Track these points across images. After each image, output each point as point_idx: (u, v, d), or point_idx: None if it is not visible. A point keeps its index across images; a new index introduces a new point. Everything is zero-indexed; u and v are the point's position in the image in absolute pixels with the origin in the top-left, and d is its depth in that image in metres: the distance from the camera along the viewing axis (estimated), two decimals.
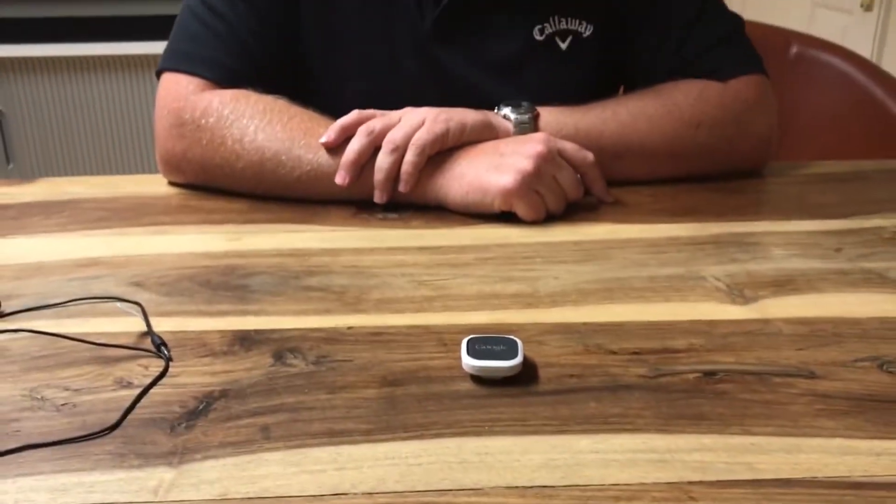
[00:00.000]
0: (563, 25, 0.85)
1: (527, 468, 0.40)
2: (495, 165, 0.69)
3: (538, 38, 0.84)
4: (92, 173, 2.01)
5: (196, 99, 0.77)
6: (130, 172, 1.89)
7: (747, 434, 0.43)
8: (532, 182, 0.68)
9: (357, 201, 0.73)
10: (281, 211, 0.73)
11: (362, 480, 0.39)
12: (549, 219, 0.71)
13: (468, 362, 0.47)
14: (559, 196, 0.71)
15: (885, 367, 0.49)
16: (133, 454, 0.41)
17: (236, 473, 0.40)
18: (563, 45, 0.85)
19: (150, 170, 2.01)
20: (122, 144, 1.88)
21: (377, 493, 0.38)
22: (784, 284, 0.60)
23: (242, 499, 0.38)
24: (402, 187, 0.71)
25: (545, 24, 0.84)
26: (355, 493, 0.39)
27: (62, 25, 1.77)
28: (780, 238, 0.68)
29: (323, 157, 0.72)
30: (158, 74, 0.81)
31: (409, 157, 0.70)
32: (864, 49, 2.04)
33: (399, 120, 0.71)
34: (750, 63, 0.83)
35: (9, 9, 1.77)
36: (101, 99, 1.83)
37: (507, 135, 0.74)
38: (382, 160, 0.70)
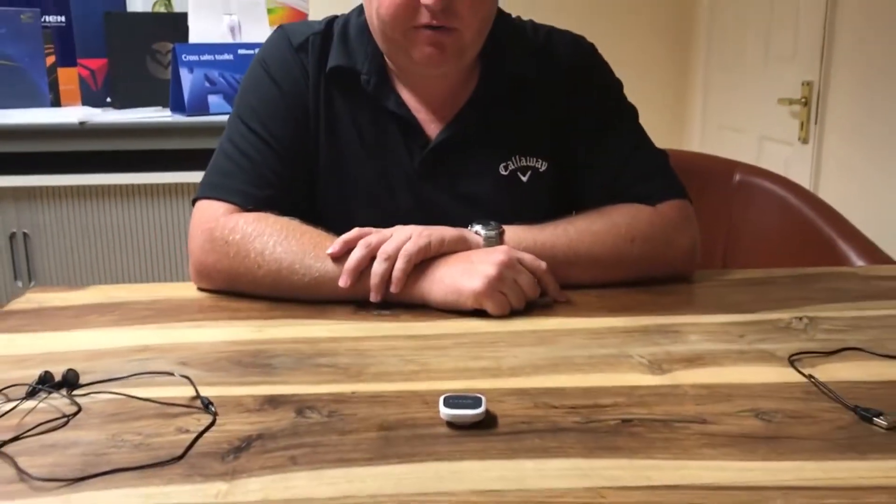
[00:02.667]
0: (524, 162, 1.05)
1: (486, 480, 0.55)
2: (467, 271, 0.87)
3: (503, 173, 1.04)
4: None
5: (225, 220, 0.95)
6: None
7: (649, 458, 0.58)
8: (497, 285, 0.86)
9: (356, 301, 0.90)
10: (295, 309, 0.89)
11: (366, 488, 0.54)
12: (513, 313, 0.87)
13: (444, 411, 0.63)
14: (520, 295, 0.88)
15: (759, 416, 0.65)
16: (197, 474, 0.56)
17: (273, 485, 0.55)
18: (524, 178, 1.05)
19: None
20: (135, 265, 2.05)
21: (378, 496, 0.53)
22: (694, 360, 0.76)
23: (280, 500, 0.53)
24: (393, 289, 0.87)
25: (508, 162, 1.04)
26: (361, 497, 0.53)
27: (85, 158, 1.99)
28: (697, 328, 0.85)
29: (329, 266, 0.89)
30: (194, 202, 1.00)
31: (399, 264, 0.87)
32: (804, 176, 2.27)
33: (391, 235, 0.89)
34: (674, 190, 1.02)
35: (35, 144, 1.99)
36: (117, 223, 2.02)
37: (477, 247, 0.92)
38: (377, 267, 0.88)
